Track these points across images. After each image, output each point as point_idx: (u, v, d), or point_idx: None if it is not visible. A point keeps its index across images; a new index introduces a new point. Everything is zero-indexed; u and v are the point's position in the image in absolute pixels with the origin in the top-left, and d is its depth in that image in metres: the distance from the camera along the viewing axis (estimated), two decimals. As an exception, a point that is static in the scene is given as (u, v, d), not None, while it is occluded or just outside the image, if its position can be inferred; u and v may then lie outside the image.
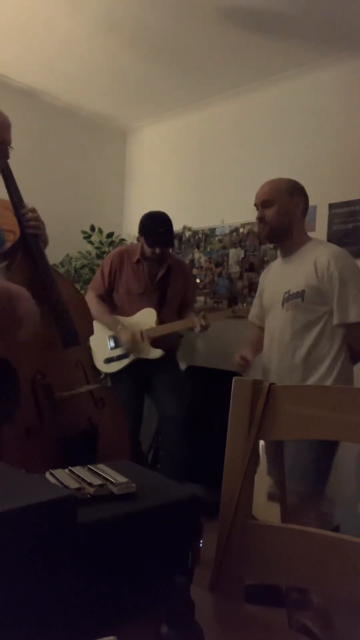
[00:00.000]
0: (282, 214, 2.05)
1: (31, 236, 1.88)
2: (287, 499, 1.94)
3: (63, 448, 1.74)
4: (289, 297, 2.02)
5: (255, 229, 3.46)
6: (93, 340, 2.90)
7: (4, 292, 1.67)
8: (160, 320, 2.83)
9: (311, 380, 1.99)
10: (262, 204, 2.08)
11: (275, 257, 3.34)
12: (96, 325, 2.91)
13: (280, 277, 2.13)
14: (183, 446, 2.82)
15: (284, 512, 2.22)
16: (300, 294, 1.98)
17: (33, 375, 1.76)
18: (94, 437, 1.86)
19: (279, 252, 2.23)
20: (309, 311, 1.98)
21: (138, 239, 3.78)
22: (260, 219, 2.08)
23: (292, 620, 1.56)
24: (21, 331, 1.64)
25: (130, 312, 2.87)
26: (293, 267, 2.07)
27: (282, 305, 2.04)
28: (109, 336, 2.88)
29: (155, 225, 2.82)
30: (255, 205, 2.13)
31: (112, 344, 2.87)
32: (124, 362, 2.84)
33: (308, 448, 1.89)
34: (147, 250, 2.85)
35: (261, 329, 2.27)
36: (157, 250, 2.82)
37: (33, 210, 1.90)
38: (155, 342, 2.81)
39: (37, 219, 1.90)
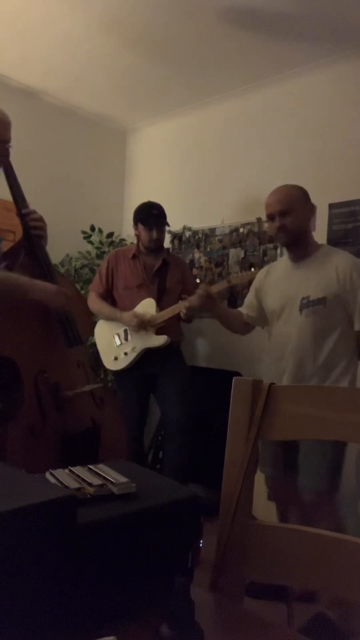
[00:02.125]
0: (301, 220, 2.09)
1: (35, 236, 1.89)
2: (303, 496, 2.02)
3: (66, 446, 1.75)
4: (308, 304, 2.04)
5: (255, 229, 3.46)
6: (99, 342, 2.92)
7: (13, 282, 1.73)
8: (161, 309, 2.85)
9: (328, 383, 2.03)
10: (280, 213, 2.08)
11: (276, 258, 3.35)
12: (100, 326, 2.94)
13: (293, 282, 2.13)
14: (185, 451, 2.84)
15: (280, 510, 2.24)
16: (322, 301, 2.02)
17: (36, 374, 1.77)
18: (97, 436, 1.86)
19: (285, 255, 2.23)
20: (329, 317, 2.02)
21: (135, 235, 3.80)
22: (281, 227, 2.09)
23: (290, 617, 1.56)
24: (53, 303, 1.82)
25: (131, 306, 2.89)
26: (309, 272, 2.08)
27: (301, 311, 2.06)
28: (114, 334, 2.89)
29: (149, 209, 2.97)
30: (269, 215, 2.13)
31: (118, 341, 2.89)
32: (132, 356, 2.84)
33: (318, 446, 1.95)
34: (144, 238, 2.93)
35: (248, 325, 2.36)
36: (154, 234, 2.90)
37: (34, 212, 1.92)
38: (159, 331, 2.84)
39: (41, 219, 1.92)
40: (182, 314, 2.72)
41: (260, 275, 2.34)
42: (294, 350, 2.08)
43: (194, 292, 3.00)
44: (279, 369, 2.13)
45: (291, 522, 2.19)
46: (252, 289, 2.35)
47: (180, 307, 2.74)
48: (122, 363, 2.87)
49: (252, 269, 2.92)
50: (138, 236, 3.00)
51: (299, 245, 2.13)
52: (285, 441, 2.05)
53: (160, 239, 2.98)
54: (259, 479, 2.63)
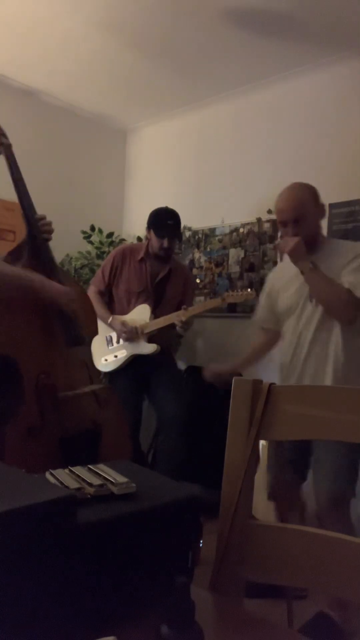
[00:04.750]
0: (313, 225, 2.05)
1: (43, 240, 1.91)
2: (317, 500, 1.96)
3: (65, 448, 1.74)
4: None
5: (255, 229, 3.46)
6: (93, 341, 2.91)
7: (16, 276, 1.74)
8: (156, 317, 2.84)
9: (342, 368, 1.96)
10: (294, 221, 2.01)
11: (276, 258, 3.35)
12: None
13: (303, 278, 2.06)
14: (181, 446, 2.83)
15: (278, 508, 2.22)
16: None
17: (37, 375, 1.76)
18: (97, 438, 1.86)
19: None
20: None
21: (139, 238, 3.79)
22: (294, 236, 2.01)
23: (290, 617, 1.56)
24: (61, 301, 1.81)
25: (128, 310, 2.89)
26: (318, 265, 2.00)
27: (311, 300, 2.01)
28: (106, 336, 2.89)
29: (164, 218, 2.88)
30: (281, 222, 2.06)
31: (109, 343, 2.88)
32: (121, 360, 2.84)
33: (337, 448, 1.88)
34: (155, 245, 2.87)
35: (270, 333, 2.24)
36: (165, 243, 2.84)
37: (45, 218, 1.94)
38: (151, 339, 2.82)
39: (50, 224, 1.93)
40: (177, 326, 2.75)
41: (271, 280, 2.26)
42: (309, 337, 2.02)
43: (189, 303, 2.99)
44: (294, 360, 2.07)
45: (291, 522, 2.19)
46: (263, 296, 2.26)
47: (172, 319, 2.75)
48: (111, 365, 2.87)
49: (249, 290, 2.88)
50: (149, 240, 2.93)
51: (311, 248, 2.05)
52: (295, 443, 2.02)
53: (171, 249, 2.91)
54: (259, 479, 2.63)
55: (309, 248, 2.06)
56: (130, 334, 2.79)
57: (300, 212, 2.01)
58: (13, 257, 1.89)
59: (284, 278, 2.18)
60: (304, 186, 2.08)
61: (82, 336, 1.92)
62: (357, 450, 1.90)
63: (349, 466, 1.91)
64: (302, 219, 2.01)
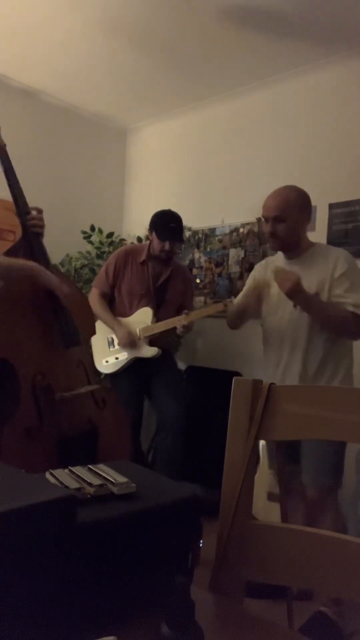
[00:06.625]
0: (293, 229, 2.07)
1: (33, 235, 1.89)
2: (307, 492, 2.04)
3: (63, 448, 1.74)
4: None
5: (255, 229, 3.46)
6: (94, 342, 2.92)
7: (25, 267, 1.75)
8: (157, 320, 2.84)
9: (324, 380, 2.04)
10: (274, 218, 2.06)
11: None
12: (98, 326, 2.93)
13: None
14: (180, 448, 2.83)
15: (283, 508, 2.22)
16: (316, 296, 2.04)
17: (33, 376, 1.76)
18: (94, 438, 1.86)
19: (280, 253, 2.22)
20: None
21: (139, 239, 3.79)
22: (272, 233, 2.07)
23: (291, 617, 1.56)
24: (59, 291, 1.82)
25: (130, 312, 2.89)
26: (303, 270, 2.05)
27: (295, 306, 2.05)
28: (108, 337, 2.89)
29: (167, 221, 2.88)
30: (264, 217, 2.11)
31: (111, 345, 2.88)
32: (122, 362, 2.84)
33: (327, 442, 1.95)
34: (156, 247, 2.87)
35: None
36: (167, 246, 2.84)
37: (39, 211, 1.92)
38: (152, 341, 2.82)
39: (41, 219, 1.92)
40: (178, 330, 2.74)
41: (261, 268, 2.31)
42: (289, 345, 2.09)
43: (190, 306, 2.98)
44: (275, 361, 2.15)
45: (294, 518, 2.20)
46: (252, 280, 2.31)
47: (174, 323, 2.74)
48: (112, 367, 2.87)
49: None
50: (151, 241, 2.93)
51: (290, 249, 2.13)
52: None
53: (172, 251, 2.91)
54: (259, 479, 2.63)
55: (290, 250, 2.14)
56: (131, 342, 2.80)
57: (283, 211, 2.04)
58: (9, 256, 1.89)
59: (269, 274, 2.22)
60: (294, 189, 2.11)
61: (79, 336, 1.92)
62: (341, 444, 1.98)
63: (335, 458, 2.00)
64: (283, 218, 2.05)
